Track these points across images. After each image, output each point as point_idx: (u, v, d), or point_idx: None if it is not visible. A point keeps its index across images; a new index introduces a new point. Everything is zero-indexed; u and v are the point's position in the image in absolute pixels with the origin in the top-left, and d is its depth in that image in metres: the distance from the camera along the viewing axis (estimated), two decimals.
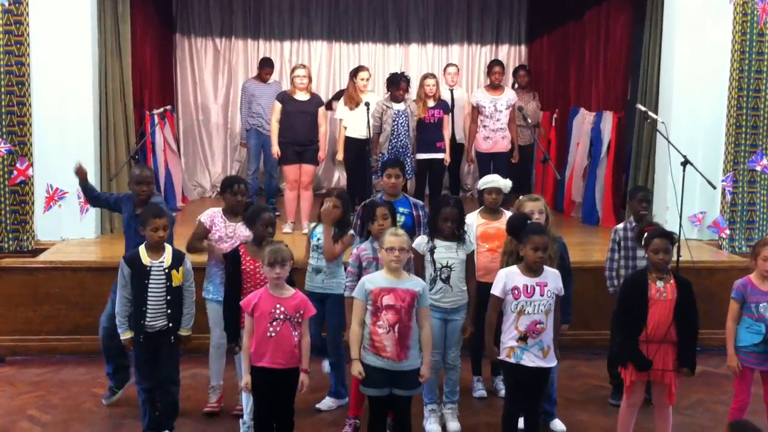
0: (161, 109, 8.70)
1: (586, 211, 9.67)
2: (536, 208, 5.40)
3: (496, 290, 4.84)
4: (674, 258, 6.40)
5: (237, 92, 11.72)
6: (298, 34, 12.16)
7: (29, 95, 7.61)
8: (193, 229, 5.71)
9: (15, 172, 7.60)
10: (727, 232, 8.19)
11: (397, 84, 8.50)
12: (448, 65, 10.12)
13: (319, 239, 5.66)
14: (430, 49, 12.43)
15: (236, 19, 11.98)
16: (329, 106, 9.86)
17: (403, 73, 8.93)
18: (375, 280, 4.73)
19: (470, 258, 5.40)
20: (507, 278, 4.83)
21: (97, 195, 6.28)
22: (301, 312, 4.71)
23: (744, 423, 3.66)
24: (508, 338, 4.79)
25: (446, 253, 5.30)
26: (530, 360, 4.76)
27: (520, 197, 5.72)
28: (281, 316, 4.63)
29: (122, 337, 5.09)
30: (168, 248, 5.14)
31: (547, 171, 10.10)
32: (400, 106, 8.44)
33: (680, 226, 6.60)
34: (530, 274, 4.80)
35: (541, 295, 4.76)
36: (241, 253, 5.19)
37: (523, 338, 4.75)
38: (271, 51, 11.86)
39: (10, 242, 7.67)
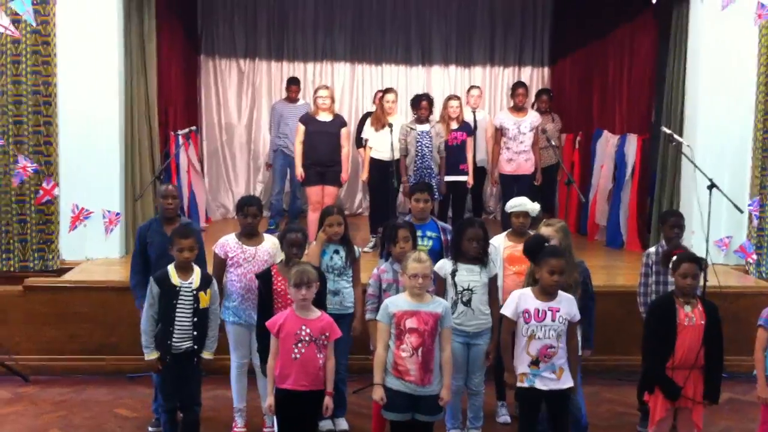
0: (186, 130, 8.76)
1: (610, 235, 9.60)
2: (547, 233, 5.26)
3: (507, 311, 4.80)
4: (701, 283, 6.35)
5: (260, 113, 11.79)
6: (322, 55, 12.21)
7: (56, 115, 7.69)
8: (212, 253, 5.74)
9: (41, 192, 7.65)
10: (754, 257, 8.09)
11: (418, 104, 8.51)
12: (471, 87, 10.13)
13: (331, 258, 5.65)
14: (453, 71, 12.43)
15: (260, 40, 12.06)
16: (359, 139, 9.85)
17: (426, 93, 8.93)
18: (398, 302, 4.71)
19: (493, 282, 5.38)
20: (519, 300, 4.79)
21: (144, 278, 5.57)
22: (327, 334, 4.69)
23: None
24: (520, 363, 4.76)
25: (468, 276, 5.28)
26: (543, 384, 4.71)
27: (543, 221, 5.68)
28: (306, 338, 4.62)
29: (147, 358, 5.08)
30: (197, 269, 5.15)
31: (571, 194, 10.04)
32: (424, 127, 8.42)
33: (707, 250, 6.53)
34: (543, 298, 4.75)
35: (553, 320, 4.70)
36: (273, 273, 5.20)
37: (535, 362, 4.71)
38: (295, 72, 11.89)
39: (36, 261, 7.74)
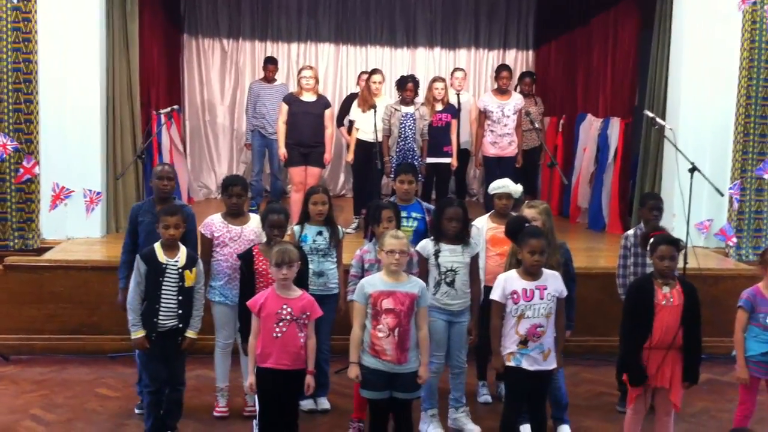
0: (168, 109, 8.67)
1: (592, 217, 9.65)
2: (530, 215, 5.29)
3: (495, 295, 4.82)
4: (680, 265, 6.40)
5: (244, 93, 11.72)
6: (306, 36, 12.16)
7: (36, 93, 7.60)
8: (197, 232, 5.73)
9: (21, 170, 7.58)
10: (734, 240, 8.16)
11: (403, 86, 8.49)
12: (455, 69, 10.11)
13: (314, 241, 5.65)
14: (438, 53, 12.42)
15: (244, 20, 11.99)
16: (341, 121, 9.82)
17: (412, 75, 8.90)
18: (374, 282, 4.72)
19: (474, 261, 5.40)
20: (506, 282, 4.81)
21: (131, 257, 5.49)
22: (308, 313, 4.70)
23: (744, 431, 3.63)
24: (509, 342, 4.78)
25: (451, 256, 5.29)
26: (530, 363, 4.74)
27: (525, 203, 5.70)
28: (288, 317, 4.63)
29: (134, 336, 5.06)
30: (182, 248, 5.14)
31: (553, 176, 10.09)
32: (409, 109, 8.40)
33: (687, 233, 6.58)
34: (529, 278, 4.78)
35: (541, 298, 4.73)
36: (254, 253, 5.20)
37: (523, 342, 4.73)
38: (279, 53, 11.86)
39: (16, 240, 7.67)
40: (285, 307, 4.64)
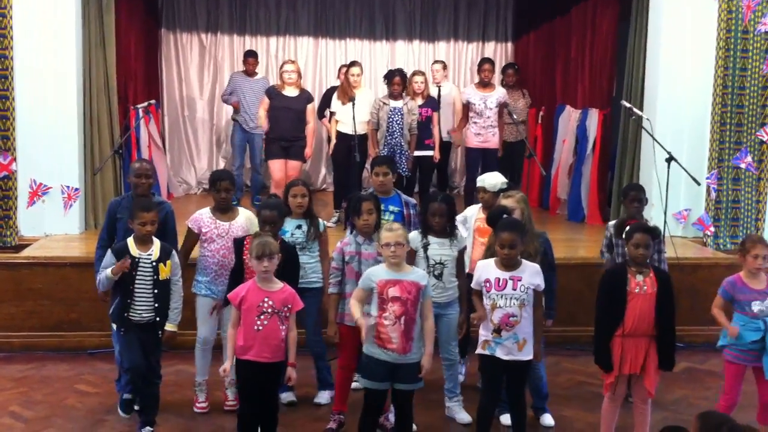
0: (145, 103, 8.64)
1: (571, 208, 9.69)
2: (510, 205, 5.33)
3: (473, 283, 4.89)
4: (671, 255, 6.44)
5: (222, 88, 11.65)
6: (285, 29, 12.11)
7: (12, 89, 7.54)
8: (182, 230, 5.70)
9: None
10: (712, 229, 8.22)
11: (390, 79, 8.47)
12: (434, 62, 10.11)
13: (293, 234, 5.64)
14: (417, 46, 12.41)
15: (222, 14, 11.93)
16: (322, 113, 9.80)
17: (399, 69, 8.84)
18: (378, 273, 4.72)
19: (461, 254, 5.42)
20: (482, 270, 4.85)
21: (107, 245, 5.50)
22: (289, 306, 4.69)
23: (712, 413, 3.65)
24: (484, 331, 4.83)
25: (439, 249, 5.33)
26: (504, 353, 4.77)
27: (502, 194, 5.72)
28: (269, 310, 4.62)
29: (111, 270, 4.94)
30: (156, 242, 5.12)
31: (533, 167, 10.11)
32: (397, 104, 8.36)
33: (665, 222, 6.63)
34: (504, 268, 4.80)
35: (514, 288, 4.74)
36: (244, 244, 5.22)
37: (497, 330, 4.76)
38: (257, 46, 11.81)
39: None
40: (266, 300, 4.63)
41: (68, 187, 7.78)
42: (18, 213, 7.70)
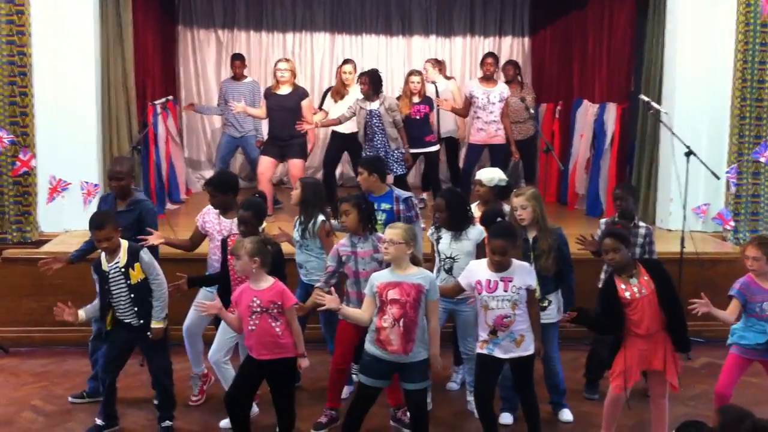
0: (163, 99, 8.67)
1: (590, 203, 9.65)
2: (518, 203, 5.28)
3: (462, 280, 4.92)
4: (678, 250, 6.41)
5: None
6: (301, 25, 12.10)
7: (31, 85, 7.59)
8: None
9: (18, 163, 7.57)
10: (732, 223, 8.15)
11: (360, 80, 8.37)
12: (426, 61, 10.11)
13: (295, 232, 5.69)
14: (434, 41, 12.37)
15: (239, 10, 11.94)
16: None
17: (370, 70, 8.57)
18: (382, 276, 4.72)
19: (480, 248, 5.33)
20: (472, 272, 4.87)
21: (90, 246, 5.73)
22: (279, 303, 4.70)
23: (733, 407, 3.64)
24: (481, 331, 4.84)
25: (450, 244, 5.32)
26: (502, 352, 4.78)
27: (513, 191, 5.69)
28: (258, 309, 4.68)
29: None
30: (124, 246, 5.12)
31: (550, 162, 10.07)
32: (374, 105, 8.18)
33: (684, 217, 6.59)
34: (494, 269, 4.79)
35: (505, 290, 4.74)
36: (228, 242, 5.26)
37: (493, 332, 4.77)
38: (274, 43, 11.85)
39: (14, 233, 7.66)
40: (255, 299, 4.69)
41: (87, 182, 7.78)
42: (38, 209, 7.75)
